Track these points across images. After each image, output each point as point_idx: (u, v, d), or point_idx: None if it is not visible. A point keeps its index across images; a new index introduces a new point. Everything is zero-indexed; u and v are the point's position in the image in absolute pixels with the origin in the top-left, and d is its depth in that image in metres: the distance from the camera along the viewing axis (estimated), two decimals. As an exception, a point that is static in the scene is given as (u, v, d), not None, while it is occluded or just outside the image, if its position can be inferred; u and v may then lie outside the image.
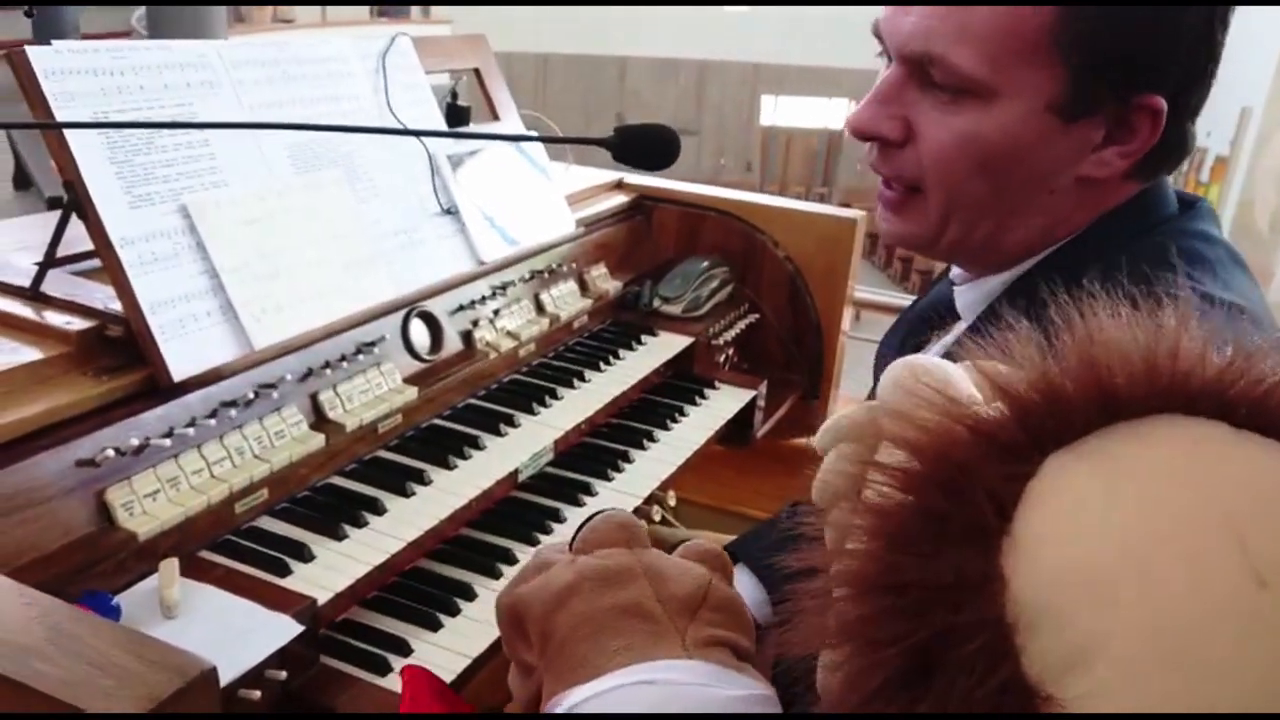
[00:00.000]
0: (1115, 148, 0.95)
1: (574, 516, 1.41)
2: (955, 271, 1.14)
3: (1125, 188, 0.99)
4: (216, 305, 1.22)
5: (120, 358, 1.16)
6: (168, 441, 1.13)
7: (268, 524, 1.22)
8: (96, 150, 1.17)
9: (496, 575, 1.27)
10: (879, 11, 1.02)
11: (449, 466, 1.38)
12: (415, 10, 10.61)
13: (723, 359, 1.99)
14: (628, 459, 1.57)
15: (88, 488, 1.06)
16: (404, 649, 1.13)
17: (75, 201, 1.16)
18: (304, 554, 1.17)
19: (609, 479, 1.52)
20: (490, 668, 1.15)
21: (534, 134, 1.86)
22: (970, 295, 1.09)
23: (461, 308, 1.61)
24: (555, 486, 1.48)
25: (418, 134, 1.56)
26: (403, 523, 1.26)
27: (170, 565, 1.06)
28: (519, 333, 1.68)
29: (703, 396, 1.81)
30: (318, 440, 1.28)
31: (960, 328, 1.10)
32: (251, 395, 1.23)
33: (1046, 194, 0.98)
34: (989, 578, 0.41)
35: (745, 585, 1.25)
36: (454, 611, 1.20)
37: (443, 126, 1.73)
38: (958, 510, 0.43)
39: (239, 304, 1.23)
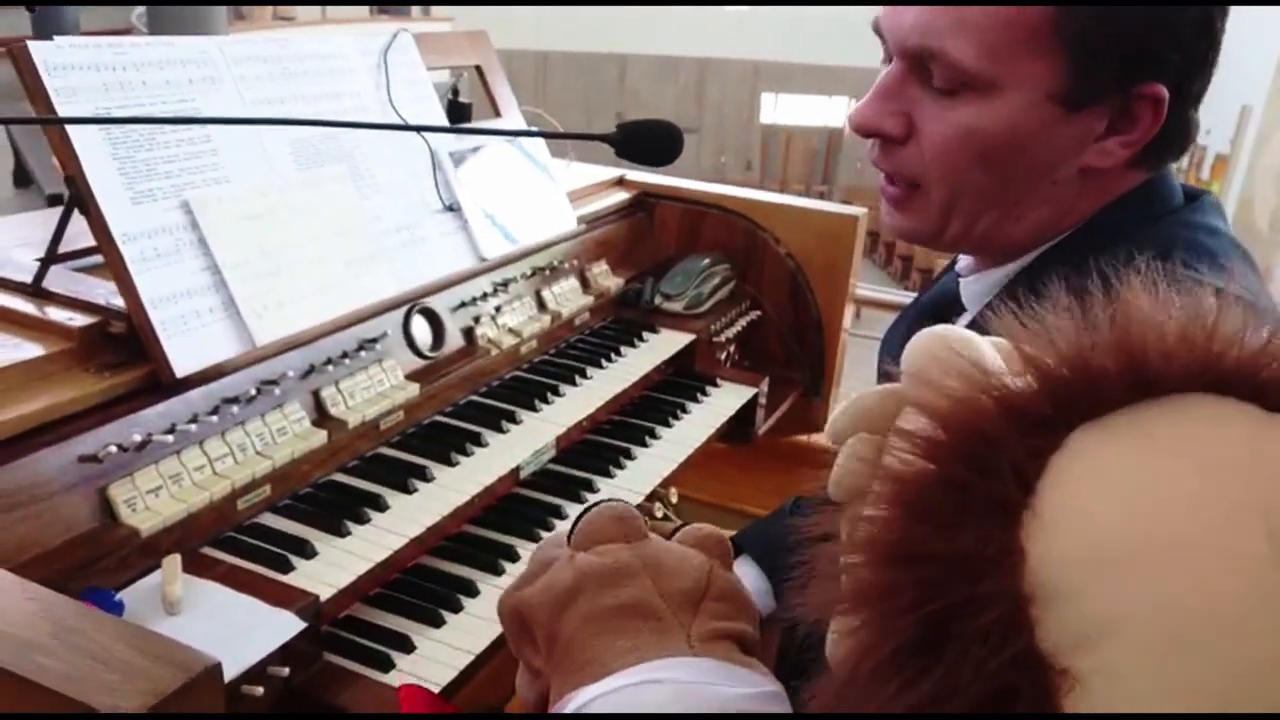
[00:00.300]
0: (1118, 137, 0.95)
1: (576, 514, 1.40)
2: (961, 264, 1.14)
3: (1129, 177, 0.99)
4: (218, 301, 1.22)
5: (122, 354, 1.16)
6: (170, 438, 1.13)
7: (270, 520, 1.22)
8: (98, 146, 1.17)
9: (499, 572, 1.27)
10: (879, 10, 1.02)
11: (451, 463, 1.38)
12: (415, 8, 10.59)
13: (724, 356, 1.99)
14: (629, 456, 1.58)
15: (90, 484, 1.06)
16: (406, 645, 1.13)
17: (77, 197, 1.16)
18: (306, 550, 1.17)
19: (611, 476, 1.52)
20: (492, 665, 1.15)
21: (536, 129, 1.86)
22: (976, 287, 1.09)
23: (463, 304, 1.61)
24: (557, 483, 1.48)
25: (419, 129, 1.56)
26: (405, 519, 1.26)
27: (173, 561, 1.06)
28: (520, 330, 1.68)
29: (704, 394, 1.81)
30: (320, 437, 1.28)
31: (965, 319, 1.10)
32: (253, 391, 1.23)
33: (1049, 185, 0.98)
34: (1009, 550, 0.41)
35: (749, 576, 1.25)
36: (456, 608, 1.20)
37: (444, 123, 1.73)
38: (980, 482, 0.42)
39: (241, 300, 1.23)
